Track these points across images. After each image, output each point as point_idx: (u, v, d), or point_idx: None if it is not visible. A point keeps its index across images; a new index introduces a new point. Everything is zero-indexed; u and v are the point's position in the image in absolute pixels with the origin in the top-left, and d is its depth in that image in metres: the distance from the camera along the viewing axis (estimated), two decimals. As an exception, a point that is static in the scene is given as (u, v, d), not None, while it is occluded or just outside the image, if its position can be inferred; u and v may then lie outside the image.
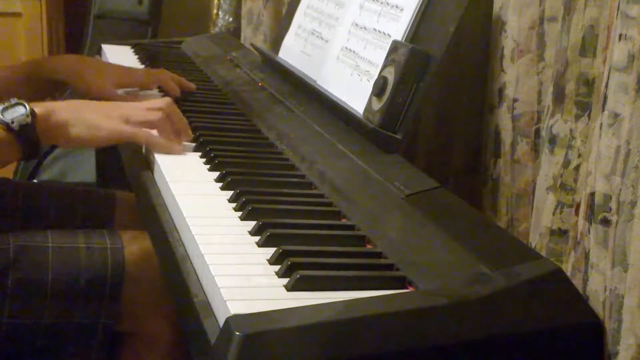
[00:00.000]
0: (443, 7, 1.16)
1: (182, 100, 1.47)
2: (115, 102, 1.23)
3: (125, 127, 1.17)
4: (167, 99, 1.24)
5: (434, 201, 0.98)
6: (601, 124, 0.82)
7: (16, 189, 1.44)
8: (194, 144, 1.25)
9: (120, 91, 1.48)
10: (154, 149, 1.18)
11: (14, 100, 1.10)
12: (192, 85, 1.56)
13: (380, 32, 1.24)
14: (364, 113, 1.19)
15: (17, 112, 1.09)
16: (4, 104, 1.10)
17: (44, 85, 1.46)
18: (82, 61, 1.51)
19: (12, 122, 1.08)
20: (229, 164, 1.15)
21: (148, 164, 1.19)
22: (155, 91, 1.53)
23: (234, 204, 1.03)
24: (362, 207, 1.00)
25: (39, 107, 1.11)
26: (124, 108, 1.20)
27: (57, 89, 1.51)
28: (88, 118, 1.15)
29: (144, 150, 1.23)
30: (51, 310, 1.17)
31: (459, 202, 0.98)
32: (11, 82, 1.43)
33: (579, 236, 0.89)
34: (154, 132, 1.20)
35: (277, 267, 0.86)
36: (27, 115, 1.09)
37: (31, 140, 1.10)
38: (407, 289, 0.85)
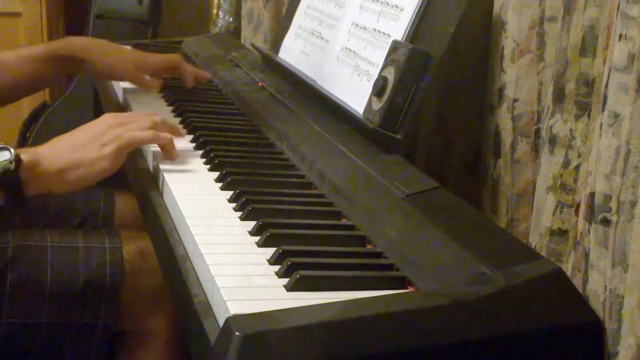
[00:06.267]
0: (443, 7, 1.16)
1: (183, 100, 1.47)
2: (98, 123, 1.15)
3: (120, 144, 1.11)
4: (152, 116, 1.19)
5: (434, 201, 0.98)
6: (601, 124, 0.82)
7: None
8: (194, 144, 1.25)
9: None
10: (155, 142, 1.16)
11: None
12: (208, 75, 1.56)
13: (380, 32, 1.24)
14: (364, 113, 1.19)
15: (1, 157, 1.03)
16: None
17: (65, 63, 1.46)
18: (104, 42, 1.51)
19: None
20: (229, 164, 1.15)
21: (147, 164, 1.19)
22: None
23: (234, 204, 1.03)
24: (362, 207, 1.00)
25: (26, 154, 1.06)
26: (111, 127, 1.13)
27: (77, 67, 1.49)
28: (80, 157, 1.09)
29: (144, 153, 1.22)
30: (50, 309, 1.17)
31: (459, 202, 0.98)
32: (32, 60, 1.42)
33: (579, 236, 0.89)
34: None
35: (277, 267, 0.86)
36: (11, 162, 1.03)
37: (14, 187, 1.04)
38: (407, 289, 0.85)
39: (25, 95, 1.51)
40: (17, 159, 1.04)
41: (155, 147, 1.18)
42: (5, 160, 1.03)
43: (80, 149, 1.10)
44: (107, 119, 1.16)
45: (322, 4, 1.46)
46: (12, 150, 1.04)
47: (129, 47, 1.54)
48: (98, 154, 1.10)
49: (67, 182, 1.09)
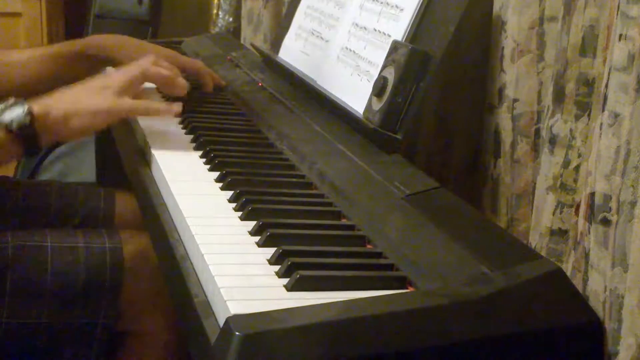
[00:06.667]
0: (443, 7, 1.16)
1: (183, 100, 1.47)
2: (103, 77, 1.25)
3: (121, 103, 1.18)
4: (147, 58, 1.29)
5: (434, 201, 0.98)
6: (601, 124, 0.82)
7: (16, 188, 1.44)
8: (194, 144, 1.25)
9: None
10: (153, 114, 1.22)
11: (11, 101, 1.11)
12: (223, 82, 1.57)
13: (380, 32, 1.24)
14: (364, 113, 1.19)
15: (16, 113, 1.10)
16: (2, 104, 1.11)
17: (91, 62, 1.46)
18: (128, 39, 1.51)
19: (12, 123, 1.09)
20: (229, 164, 1.15)
21: (148, 164, 1.19)
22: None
23: (234, 204, 1.03)
24: (362, 207, 1.00)
25: (37, 106, 1.12)
26: (114, 80, 1.21)
27: (101, 65, 1.50)
28: (85, 106, 1.16)
29: (146, 153, 1.22)
30: (50, 310, 1.17)
31: (459, 202, 0.98)
32: (54, 58, 1.44)
33: (579, 236, 0.89)
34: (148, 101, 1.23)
35: (277, 267, 0.86)
36: (26, 115, 1.10)
37: (31, 139, 1.11)
38: (407, 289, 0.85)
39: (44, 93, 1.52)
40: (31, 112, 1.10)
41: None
42: (21, 114, 1.10)
43: (83, 97, 1.17)
44: (110, 73, 1.25)
45: (322, 4, 1.46)
46: (25, 105, 1.11)
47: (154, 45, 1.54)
48: (100, 99, 1.17)
49: (72, 129, 1.15)
